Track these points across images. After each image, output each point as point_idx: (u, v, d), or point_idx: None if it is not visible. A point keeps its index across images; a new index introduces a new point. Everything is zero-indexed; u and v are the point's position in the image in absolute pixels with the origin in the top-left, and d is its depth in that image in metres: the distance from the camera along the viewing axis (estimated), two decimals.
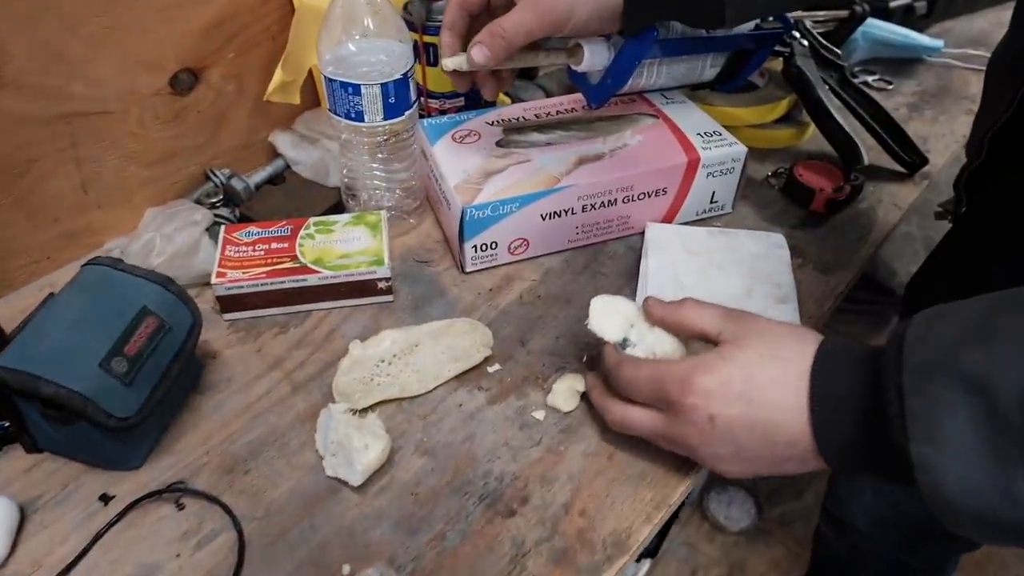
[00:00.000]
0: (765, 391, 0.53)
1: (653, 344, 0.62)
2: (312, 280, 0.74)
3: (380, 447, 0.61)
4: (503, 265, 0.82)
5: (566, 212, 0.79)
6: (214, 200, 0.85)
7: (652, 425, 0.58)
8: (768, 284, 0.77)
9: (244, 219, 0.84)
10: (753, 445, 0.54)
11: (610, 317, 0.63)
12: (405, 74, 0.74)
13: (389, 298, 0.77)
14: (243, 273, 0.73)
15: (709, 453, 0.56)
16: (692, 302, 0.60)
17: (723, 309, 0.59)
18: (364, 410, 0.66)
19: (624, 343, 0.62)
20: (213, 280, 0.72)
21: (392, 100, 0.74)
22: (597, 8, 0.67)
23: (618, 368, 0.60)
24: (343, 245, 0.77)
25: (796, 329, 0.57)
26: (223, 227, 0.78)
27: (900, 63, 1.17)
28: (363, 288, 0.76)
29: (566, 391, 0.67)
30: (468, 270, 0.80)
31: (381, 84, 0.73)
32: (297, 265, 0.74)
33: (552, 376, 0.70)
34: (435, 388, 0.69)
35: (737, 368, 0.54)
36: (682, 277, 0.78)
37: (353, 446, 0.60)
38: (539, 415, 0.67)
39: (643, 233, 0.84)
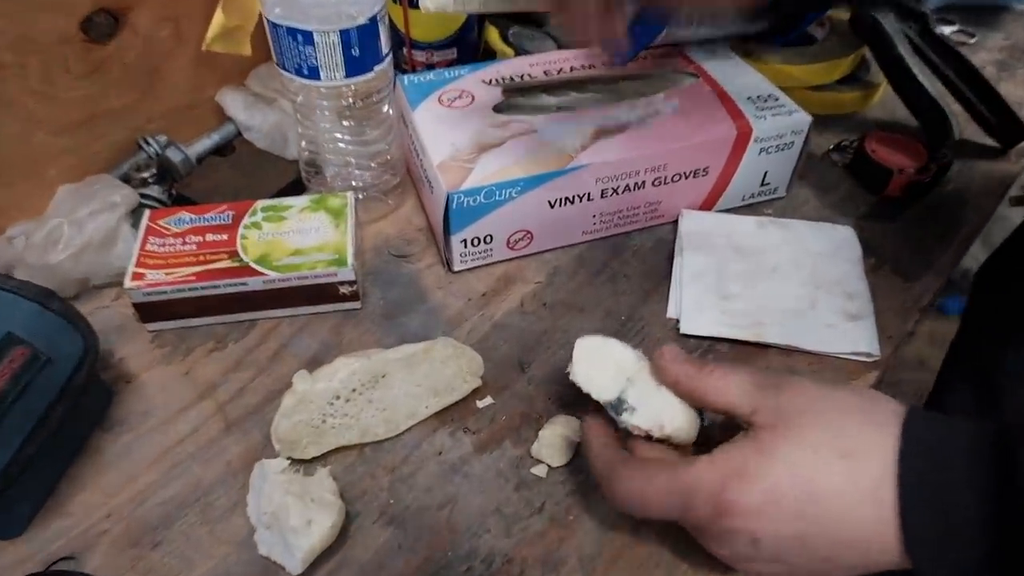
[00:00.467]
0: (830, 504, 0.38)
1: (660, 412, 0.45)
2: (255, 284, 0.58)
3: (328, 523, 0.45)
4: (500, 263, 0.65)
5: (581, 198, 0.63)
6: (146, 175, 0.69)
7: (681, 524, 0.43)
8: (836, 293, 0.61)
9: (181, 200, 0.68)
10: (816, 567, 0.39)
11: (601, 367, 0.46)
12: (374, 18, 0.57)
13: (355, 305, 0.61)
14: (166, 274, 0.57)
15: (753, 571, 0.41)
16: (720, 370, 0.43)
17: (755, 376, 0.42)
18: (313, 461, 0.51)
19: (619, 406, 0.45)
20: (127, 283, 0.57)
21: (356, 52, 0.57)
22: None
23: (614, 476, 0.43)
24: (296, 238, 0.60)
25: (862, 399, 0.41)
26: (147, 212, 0.62)
27: (983, 11, 0.97)
28: (321, 294, 0.60)
29: (555, 440, 0.51)
30: (456, 269, 0.64)
31: (340, 31, 0.55)
32: (236, 264, 0.58)
33: (556, 414, 0.54)
34: (407, 430, 0.53)
35: (787, 471, 0.38)
36: (727, 284, 0.62)
37: (291, 524, 0.45)
38: (540, 471, 0.51)
39: (676, 223, 0.68)
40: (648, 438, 0.45)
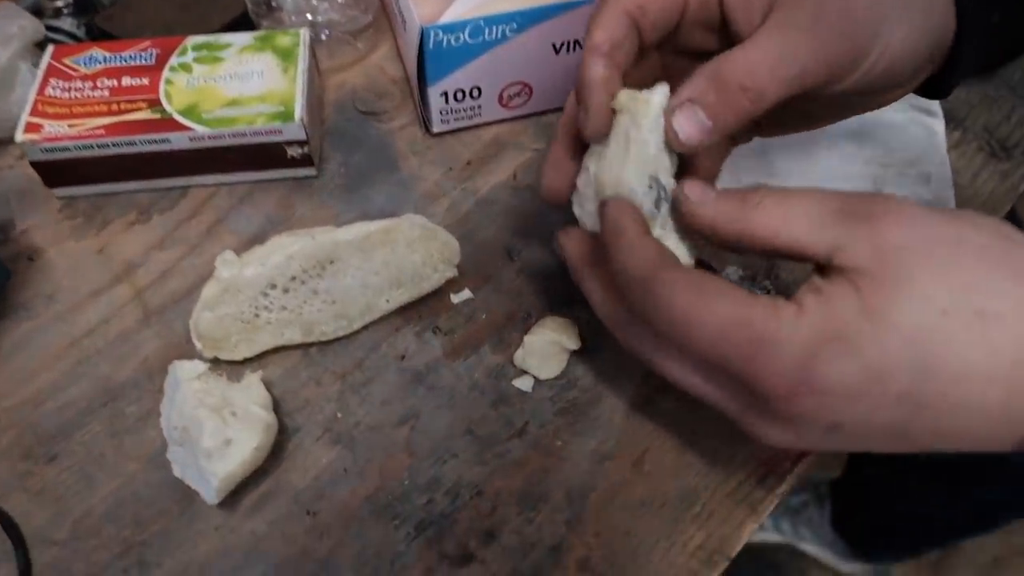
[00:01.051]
0: (952, 383, 0.26)
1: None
2: (179, 142, 0.46)
3: (252, 443, 0.36)
4: (490, 124, 0.53)
5: None
6: (60, 4, 0.56)
7: (717, 403, 0.32)
8: (909, 175, 0.48)
9: (98, 36, 0.55)
10: (896, 448, 0.29)
11: (632, 147, 0.32)
12: None
13: (310, 171, 0.50)
14: (69, 127, 0.46)
15: (813, 447, 0.32)
16: (774, 196, 0.30)
17: (829, 199, 0.29)
18: (245, 363, 0.42)
19: (657, 205, 0.32)
20: (18, 135, 0.45)
21: None
22: (918, 32, 0.32)
23: (652, 280, 0.29)
24: (234, 85, 0.48)
25: (993, 234, 0.28)
26: (50, 48, 0.50)
27: None
28: (265, 156, 0.48)
29: (545, 347, 0.41)
30: (436, 130, 0.52)
31: None
32: (157, 116, 0.46)
33: (549, 313, 0.44)
34: (363, 329, 0.43)
35: (902, 340, 0.26)
36: (771, 156, 0.49)
37: (204, 445, 0.35)
38: (525, 383, 0.41)
39: None
40: None
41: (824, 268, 0.29)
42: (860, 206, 0.28)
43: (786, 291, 0.45)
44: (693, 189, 0.31)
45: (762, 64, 0.30)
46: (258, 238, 0.47)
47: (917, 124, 0.51)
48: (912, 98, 0.52)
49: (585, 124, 0.33)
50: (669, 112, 0.31)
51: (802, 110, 0.38)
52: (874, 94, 0.35)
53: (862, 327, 0.27)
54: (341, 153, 0.52)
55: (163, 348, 0.43)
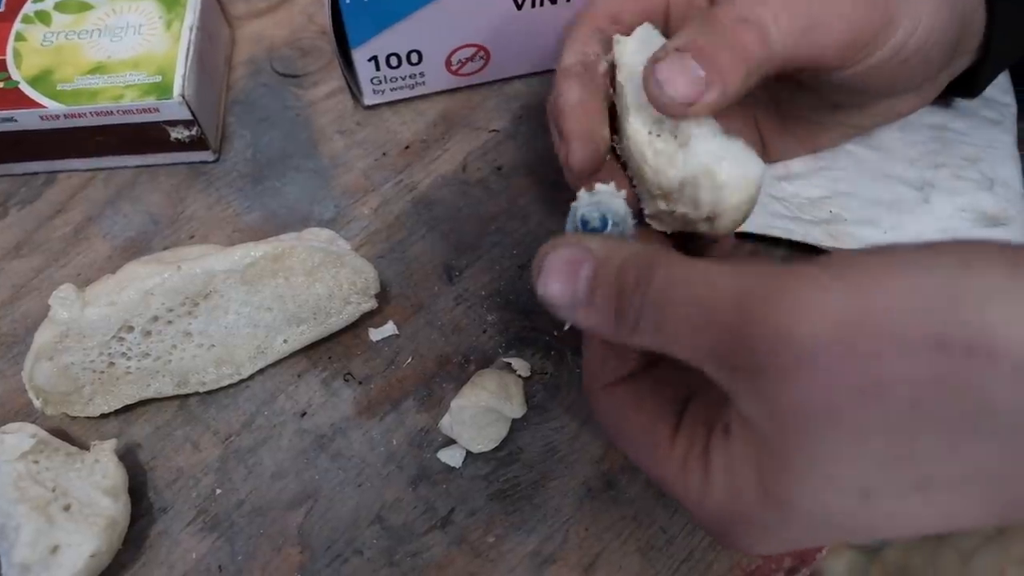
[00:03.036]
0: None
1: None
2: (28, 121, 0.36)
3: (86, 551, 0.28)
4: (438, 96, 0.42)
5: None
6: None
7: None
8: (969, 178, 0.38)
9: None
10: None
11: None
12: None
13: (207, 156, 0.40)
14: None
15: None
16: (642, 317, 0.22)
17: (709, 331, 0.21)
18: (109, 417, 0.33)
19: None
20: None
21: None
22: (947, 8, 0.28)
23: (591, 402, 0.26)
24: (103, 43, 0.38)
25: (942, 328, 0.17)
26: None
27: None
28: (142, 139, 0.38)
29: (479, 415, 0.32)
30: (368, 102, 0.41)
31: None
32: (1, 86, 0.36)
33: (495, 355, 0.35)
34: (255, 375, 0.34)
35: (817, 531, 0.21)
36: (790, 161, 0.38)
37: (16, 556, 0.27)
38: (453, 456, 0.33)
39: None
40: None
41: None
42: (741, 349, 0.19)
43: None
44: (551, 286, 0.23)
45: (782, 18, 0.25)
46: (136, 244, 0.38)
47: (981, 108, 0.40)
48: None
49: (567, 157, 0.28)
50: (649, 65, 0.25)
51: (812, 113, 0.34)
52: (899, 89, 0.31)
53: (766, 515, 0.20)
54: (249, 130, 0.41)
55: (3, 397, 0.34)
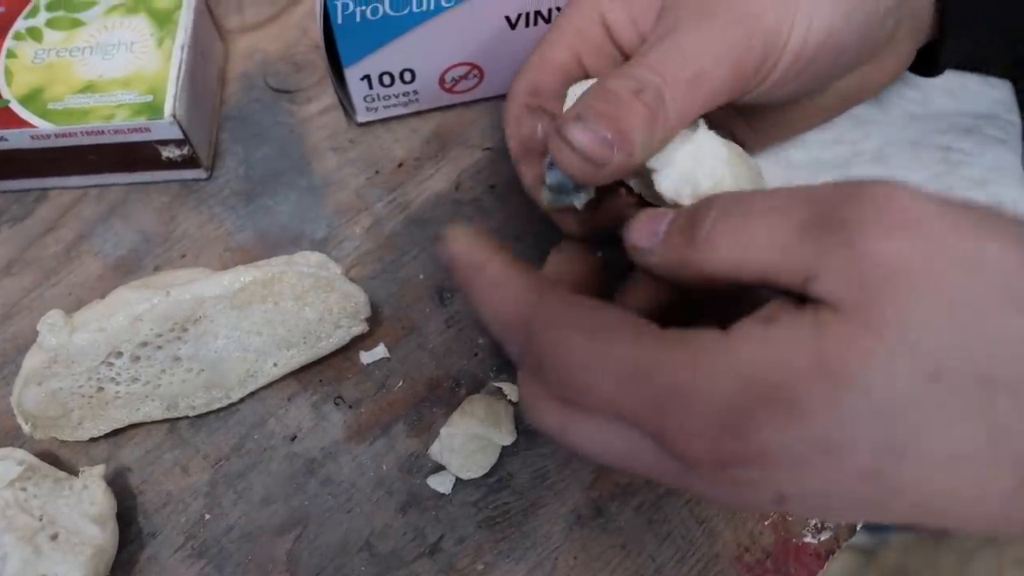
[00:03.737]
0: (936, 472, 0.18)
1: (693, 161, 0.26)
2: (18, 140, 0.36)
3: None
4: (432, 112, 0.42)
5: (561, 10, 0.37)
6: None
7: (649, 472, 0.22)
8: (979, 198, 0.37)
9: None
10: (886, 521, 0.21)
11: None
12: None
13: (199, 174, 0.39)
14: None
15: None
16: (724, 222, 0.21)
17: (805, 203, 0.20)
18: (99, 441, 0.33)
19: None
20: None
21: None
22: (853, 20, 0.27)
23: (533, 336, 0.22)
24: (95, 61, 0.37)
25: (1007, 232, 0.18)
26: None
27: None
28: (134, 158, 0.38)
29: (467, 441, 0.32)
30: (362, 119, 0.41)
31: None
32: None
33: (486, 380, 0.35)
34: (246, 398, 0.34)
35: (869, 412, 0.18)
36: (793, 175, 0.38)
37: None
38: (442, 483, 0.32)
39: None
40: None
41: (799, 297, 0.20)
42: (836, 210, 0.19)
43: None
44: (636, 233, 0.23)
45: (693, 62, 0.25)
46: (128, 262, 0.38)
47: (987, 126, 0.39)
48: (982, 84, 0.41)
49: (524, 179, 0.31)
50: (553, 134, 0.25)
51: (770, 113, 0.32)
52: (836, 76, 0.30)
53: (812, 388, 0.18)
54: (242, 146, 0.41)
55: None
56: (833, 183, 0.20)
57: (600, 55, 0.30)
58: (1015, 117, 0.40)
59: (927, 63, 0.33)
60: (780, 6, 0.26)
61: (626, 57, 0.30)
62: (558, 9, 0.37)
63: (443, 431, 0.31)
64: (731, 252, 0.21)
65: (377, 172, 0.40)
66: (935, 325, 0.18)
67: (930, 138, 0.39)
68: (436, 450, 0.32)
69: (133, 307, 0.31)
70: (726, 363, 0.19)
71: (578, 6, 0.30)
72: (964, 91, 0.40)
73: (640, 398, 0.20)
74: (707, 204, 0.22)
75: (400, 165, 0.40)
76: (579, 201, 0.27)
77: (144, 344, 0.31)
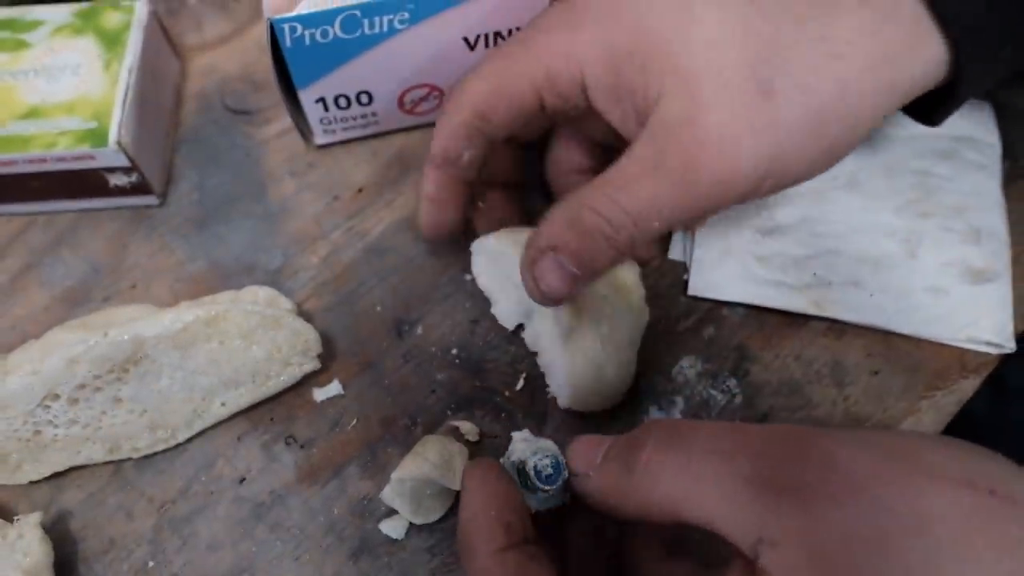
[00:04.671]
0: None
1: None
2: None
3: None
4: (390, 134, 0.40)
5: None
6: None
7: None
8: (955, 228, 0.36)
9: None
10: None
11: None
12: None
13: (150, 200, 0.38)
14: None
15: None
16: (661, 455, 0.21)
17: (748, 457, 0.20)
18: (39, 484, 0.32)
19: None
20: None
21: None
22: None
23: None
24: (39, 84, 0.36)
25: (987, 483, 0.18)
26: None
27: None
28: (81, 185, 0.36)
29: (419, 487, 0.30)
30: (320, 142, 0.40)
31: None
32: None
33: (444, 417, 0.33)
34: (194, 437, 0.33)
35: None
36: (771, 207, 0.37)
37: None
38: (394, 528, 0.31)
39: None
40: None
41: (743, 555, 0.19)
42: (783, 470, 0.19)
43: (755, 396, 0.34)
44: (575, 459, 0.24)
45: (628, 211, 0.26)
46: (75, 293, 0.36)
47: (965, 150, 0.38)
48: (962, 117, 0.39)
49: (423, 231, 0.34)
50: (527, 261, 0.27)
51: None
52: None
53: None
54: (197, 171, 0.40)
55: None
56: (771, 433, 0.20)
57: (564, 102, 0.29)
58: (994, 139, 0.38)
59: (927, 108, 0.30)
60: (752, 154, 0.25)
61: (595, 113, 0.29)
62: (518, 30, 0.35)
63: (394, 476, 0.30)
64: (672, 489, 0.21)
65: (336, 198, 0.39)
66: None
67: (906, 162, 0.38)
68: (388, 495, 0.31)
69: (69, 349, 0.30)
70: None
71: (550, 44, 0.28)
72: None
73: None
74: (646, 430, 0.22)
75: (360, 190, 0.39)
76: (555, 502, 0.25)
77: (82, 386, 0.30)
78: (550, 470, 0.24)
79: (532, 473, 0.24)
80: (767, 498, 0.19)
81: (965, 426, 0.34)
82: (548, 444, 0.25)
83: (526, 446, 0.25)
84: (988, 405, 0.65)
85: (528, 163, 0.36)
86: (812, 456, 0.19)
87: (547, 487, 0.24)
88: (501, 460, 0.26)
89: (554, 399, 0.33)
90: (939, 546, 0.17)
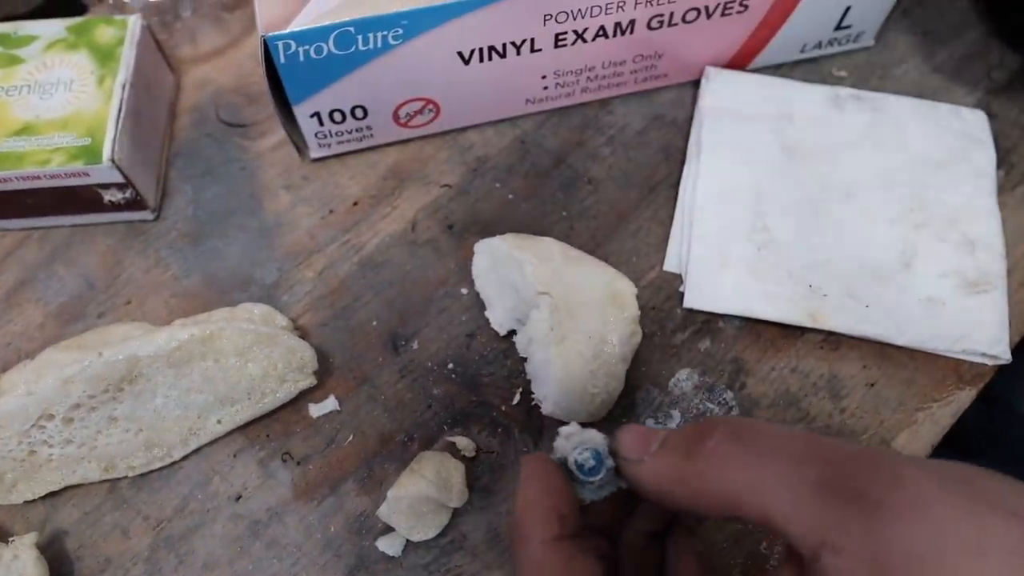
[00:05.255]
0: None
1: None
2: None
3: None
4: (386, 148, 0.40)
5: (518, 48, 0.36)
6: None
7: None
8: (950, 239, 0.36)
9: None
10: None
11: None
12: None
13: (145, 215, 0.38)
14: None
15: None
16: (728, 446, 0.21)
17: (816, 461, 0.20)
18: (35, 504, 0.32)
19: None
20: None
21: None
22: None
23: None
24: (32, 101, 0.36)
25: None
26: None
27: None
28: (75, 201, 0.36)
29: (417, 504, 0.30)
30: (315, 155, 0.40)
31: None
32: None
33: (440, 434, 0.33)
34: (190, 454, 0.33)
35: None
36: (767, 216, 0.37)
37: None
38: (391, 545, 0.31)
39: (694, 85, 0.41)
40: None
41: (802, 559, 0.19)
42: (851, 479, 0.19)
43: (752, 409, 0.34)
44: (626, 439, 0.23)
45: None
46: (70, 310, 0.36)
47: (959, 159, 0.38)
48: (954, 117, 0.39)
49: None
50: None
51: None
52: None
53: None
54: (191, 184, 0.39)
55: None
56: (842, 445, 0.20)
57: None
58: (989, 149, 0.38)
59: None
60: None
61: None
62: (512, 44, 0.35)
63: (390, 493, 0.30)
64: (736, 480, 0.20)
65: (331, 211, 0.39)
66: None
67: (901, 174, 0.38)
68: (385, 512, 0.31)
69: (63, 369, 0.29)
70: None
71: None
72: (936, 122, 0.39)
73: None
74: (711, 423, 0.21)
75: (355, 203, 0.39)
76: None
77: (77, 406, 0.30)
78: (592, 462, 0.24)
79: (575, 468, 0.24)
80: (834, 504, 0.19)
81: (957, 435, 0.34)
82: (590, 435, 0.24)
83: (566, 443, 0.24)
84: (976, 415, 0.65)
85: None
86: (881, 471, 0.19)
87: (591, 479, 0.24)
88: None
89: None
90: (992, 571, 0.18)
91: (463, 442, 0.33)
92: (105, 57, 0.37)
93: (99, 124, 0.35)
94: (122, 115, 0.35)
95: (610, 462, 0.23)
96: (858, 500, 0.19)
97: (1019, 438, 0.57)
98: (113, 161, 0.34)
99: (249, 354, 0.31)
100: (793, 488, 0.19)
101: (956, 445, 0.35)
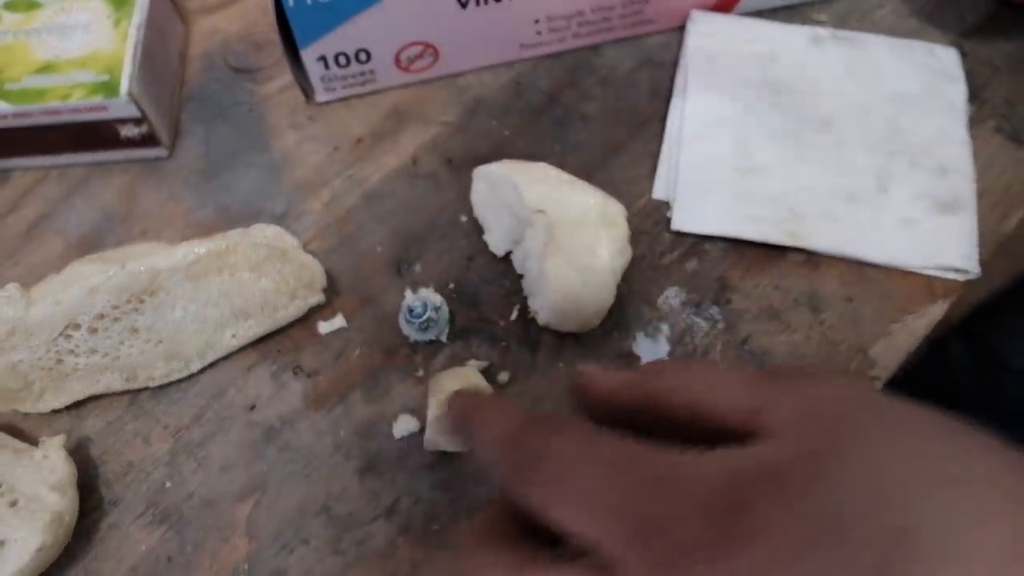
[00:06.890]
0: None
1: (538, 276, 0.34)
2: None
3: (33, 546, 0.29)
4: (388, 91, 0.42)
5: None
6: None
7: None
8: (924, 166, 0.38)
9: None
10: None
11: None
12: None
13: (160, 152, 0.40)
14: None
15: None
16: (676, 364, 0.24)
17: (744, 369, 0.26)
18: (61, 413, 0.34)
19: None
20: None
21: None
22: None
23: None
24: (52, 43, 0.38)
25: (939, 418, 0.19)
26: None
27: None
28: (93, 137, 0.38)
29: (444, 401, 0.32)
30: (321, 99, 0.41)
31: None
32: None
33: (444, 347, 0.35)
34: (206, 368, 0.35)
35: (864, 497, 0.17)
36: (752, 147, 0.39)
37: None
38: (406, 428, 0.33)
39: (676, 32, 0.43)
40: None
41: (742, 433, 0.20)
42: (783, 369, 0.22)
43: (736, 322, 0.36)
44: (589, 372, 0.24)
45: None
46: (90, 241, 0.38)
47: (933, 93, 0.40)
48: (928, 54, 0.41)
49: None
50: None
51: None
52: None
53: (802, 470, 0.18)
54: (203, 125, 0.41)
55: None
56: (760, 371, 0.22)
57: None
58: (960, 84, 0.41)
59: None
60: None
61: None
62: None
63: (429, 419, 0.31)
64: (682, 383, 0.22)
65: (336, 148, 0.41)
66: (885, 442, 0.18)
67: (878, 106, 0.40)
68: (430, 438, 0.32)
69: (88, 280, 0.31)
70: (711, 458, 0.20)
71: None
72: (911, 59, 0.41)
73: (628, 484, 0.20)
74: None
75: (359, 141, 0.41)
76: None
77: (101, 316, 0.32)
78: (420, 309, 0.34)
79: (407, 312, 0.34)
80: (765, 383, 0.21)
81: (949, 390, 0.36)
82: (427, 293, 0.35)
83: (412, 296, 0.35)
84: (969, 371, 0.66)
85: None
86: (795, 369, 0.22)
87: (415, 320, 0.34)
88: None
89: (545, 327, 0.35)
90: (915, 429, 0.19)
91: (473, 364, 0.34)
92: (120, 2, 0.39)
93: (116, 62, 0.37)
94: (138, 55, 0.37)
95: (434, 314, 0.34)
96: (789, 376, 0.21)
97: (1014, 395, 0.59)
98: (130, 95, 0.36)
99: (262, 268, 0.33)
100: (733, 382, 0.21)
101: (948, 401, 0.37)
